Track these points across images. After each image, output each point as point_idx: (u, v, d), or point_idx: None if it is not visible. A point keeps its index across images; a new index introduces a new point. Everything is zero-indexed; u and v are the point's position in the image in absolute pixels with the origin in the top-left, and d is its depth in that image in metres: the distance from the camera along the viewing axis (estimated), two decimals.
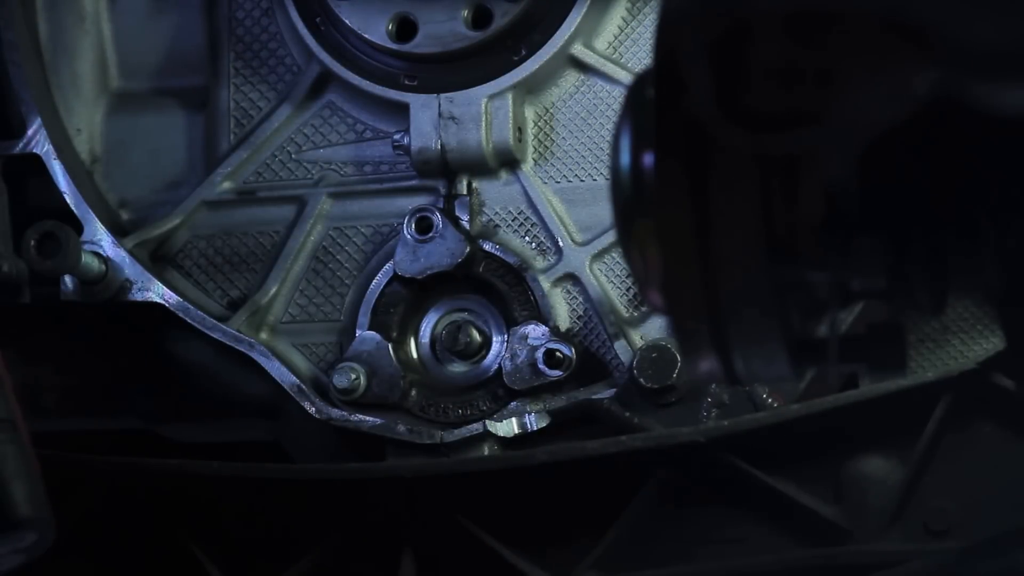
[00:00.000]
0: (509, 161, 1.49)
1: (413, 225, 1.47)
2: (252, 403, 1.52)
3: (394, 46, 1.48)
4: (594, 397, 1.44)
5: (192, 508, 1.42)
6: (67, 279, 1.50)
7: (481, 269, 1.49)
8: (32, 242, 1.46)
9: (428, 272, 1.48)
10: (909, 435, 1.34)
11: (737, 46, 0.77)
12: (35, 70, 1.55)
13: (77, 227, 1.50)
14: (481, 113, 1.47)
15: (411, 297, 1.50)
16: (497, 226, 1.50)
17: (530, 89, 1.50)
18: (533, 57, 1.48)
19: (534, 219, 1.50)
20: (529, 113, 1.51)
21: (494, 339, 1.49)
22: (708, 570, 1.36)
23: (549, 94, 1.51)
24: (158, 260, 1.55)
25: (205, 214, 1.55)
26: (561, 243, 1.48)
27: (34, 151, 1.51)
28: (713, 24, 0.77)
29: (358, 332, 1.49)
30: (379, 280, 1.50)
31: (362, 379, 1.47)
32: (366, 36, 1.48)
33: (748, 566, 1.35)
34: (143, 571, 1.44)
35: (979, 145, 0.84)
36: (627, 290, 1.47)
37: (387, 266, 1.49)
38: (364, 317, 1.50)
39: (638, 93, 0.86)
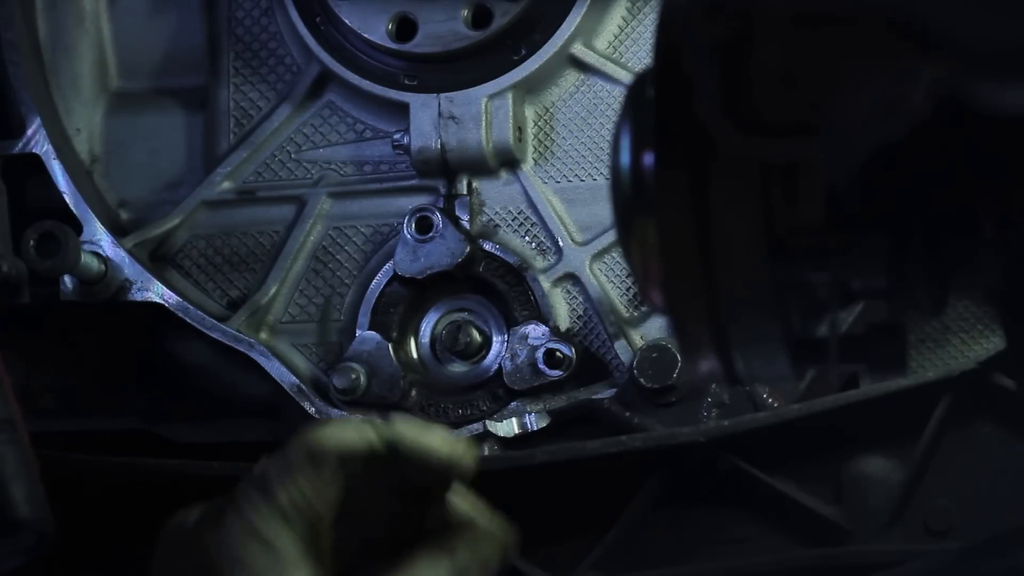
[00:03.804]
0: (509, 161, 1.49)
1: (413, 225, 1.47)
2: (252, 403, 1.52)
3: (394, 46, 1.48)
4: (594, 397, 1.44)
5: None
6: (66, 279, 1.50)
7: (481, 269, 1.49)
8: (31, 242, 1.46)
9: (428, 272, 1.48)
10: (909, 435, 1.34)
11: (741, 48, 0.77)
12: (35, 70, 1.55)
13: (76, 227, 1.50)
14: (481, 113, 1.47)
15: (411, 297, 1.49)
16: (497, 226, 1.50)
17: (530, 89, 1.50)
18: (533, 57, 1.48)
19: (534, 219, 1.49)
20: (529, 113, 1.51)
21: (494, 339, 1.49)
22: (708, 570, 1.36)
23: (549, 94, 1.51)
24: (158, 260, 1.55)
25: (205, 214, 1.55)
26: (561, 243, 1.48)
27: (33, 151, 1.51)
28: (716, 25, 0.77)
29: (358, 332, 1.49)
30: (379, 280, 1.50)
31: (362, 379, 1.47)
32: (366, 36, 1.48)
33: (748, 566, 1.35)
34: (143, 571, 1.44)
35: (980, 145, 0.84)
36: (627, 290, 1.47)
37: (387, 266, 1.49)
38: (364, 317, 1.49)
39: (638, 93, 0.86)
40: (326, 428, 1.13)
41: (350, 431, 1.12)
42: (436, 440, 1.14)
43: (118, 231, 1.53)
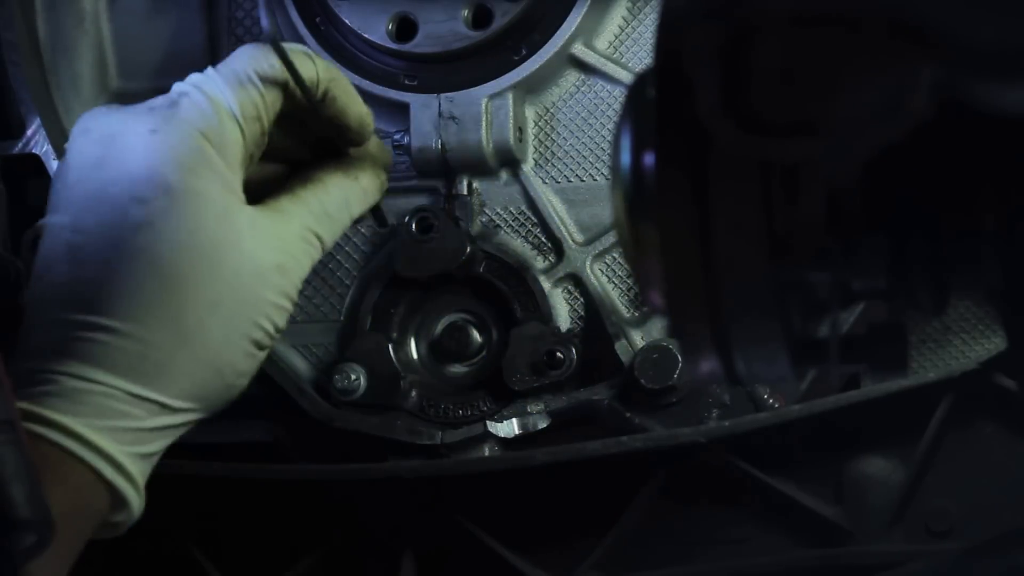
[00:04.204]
0: (509, 161, 1.49)
1: (413, 225, 1.47)
2: (252, 404, 1.51)
3: (394, 46, 1.48)
4: (595, 398, 1.44)
5: (191, 509, 1.42)
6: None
7: (481, 269, 1.49)
8: (31, 242, 1.46)
9: (428, 272, 1.47)
10: (910, 435, 1.34)
11: (741, 48, 0.77)
12: (34, 70, 1.55)
13: None
14: (481, 113, 1.47)
15: (411, 297, 1.49)
16: (497, 226, 1.50)
17: (530, 89, 1.49)
18: (533, 57, 1.48)
19: (534, 219, 1.49)
20: (529, 113, 1.50)
21: (494, 339, 1.49)
22: (709, 571, 1.36)
23: (549, 94, 1.51)
24: None
25: None
26: (562, 243, 1.48)
27: (33, 151, 1.51)
28: (717, 25, 0.77)
29: (358, 332, 1.49)
30: (379, 280, 1.50)
31: (362, 379, 1.46)
32: (366, 36, 1.48)
33: (749, 567, 1.35)
34: (142, 572, 1.44)
35: (981, 145, 0.84)
36: (628, 290, 1.47)
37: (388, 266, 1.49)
38: (364, 317, 1.49)
39: (639, 93, 0.86)
40: (293, 55, 1.25)
41: (301, 61, 1.25)
42: (360, 104, 1.30)
43: None
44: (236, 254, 1.19)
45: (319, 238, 1.26)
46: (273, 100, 1.23)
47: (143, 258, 1.16)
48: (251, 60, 1.24)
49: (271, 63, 1.23)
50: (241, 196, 1.22)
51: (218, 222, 1.18)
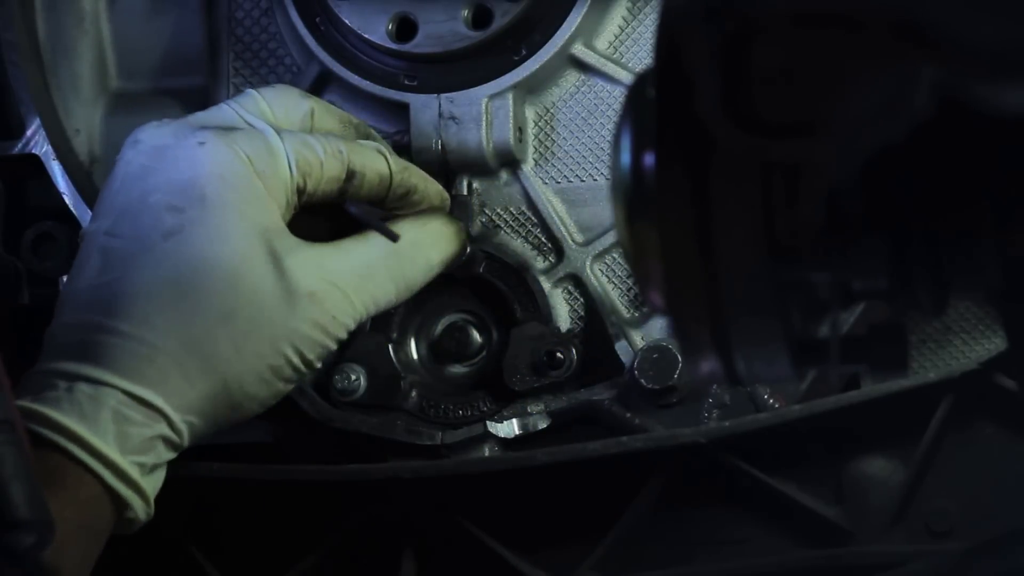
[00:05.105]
0: (509, 161, 1.49)
1: None
2: None
3: (394, 46, 1.48)
4: (595, 398, 1.44)
5: (191, 509, 1.42)
6: (66, 280, 1.49)
7: (481, 270, 1.48)
8: (30, 243, 1.46)
9: None
10: (911, 436, 1.34)
11: (742, 48, 0.77)
12: (34, 70, 1.54)
13: (76, 228, 1.49)
14: (481, 113, 1.47)
15: (411, 297, 1.49)
16: (497, 226, 1.50)
17: (530, 89, 1.49)
18: (533, 57, 1.47)
19: (535, 219, 1.49)
20: (529, 113, 1.50)
21: (494, 340, 1.49)
22: (709, 571, 1.36)
23: (549, 94, 1.50)
24: None
25: None
26: (562, 244, 1.48)
27: (33, 151, 1.51)
28: (717, 25, 0.77)
29: (358, 332, 1.49)
30: None
31: (362, 380, 1.46)
32: (366, 36, 1.48)
33: (749, 567, 1.35)
34: (142, 572, 1.44)
35: (981, 145, 0.84)
36: (628, 290, 1.47)
37: None
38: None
39: (639, 93, 0.86)
40: (362, 151, 1.29)
41: (373, 159, 1.29)
42: (435, 183, 1.36)
43: None
44: (260, 272, 1.19)
45: (391, 278, 1.30)
46: (330, 172, 1.27)
47: (165, 264, 1.17)
48: (329, 139, 1.28)
49: (342, 149, 1.28)
50: (279, 223, 1.22)
51: (247, 238, 1.19)
